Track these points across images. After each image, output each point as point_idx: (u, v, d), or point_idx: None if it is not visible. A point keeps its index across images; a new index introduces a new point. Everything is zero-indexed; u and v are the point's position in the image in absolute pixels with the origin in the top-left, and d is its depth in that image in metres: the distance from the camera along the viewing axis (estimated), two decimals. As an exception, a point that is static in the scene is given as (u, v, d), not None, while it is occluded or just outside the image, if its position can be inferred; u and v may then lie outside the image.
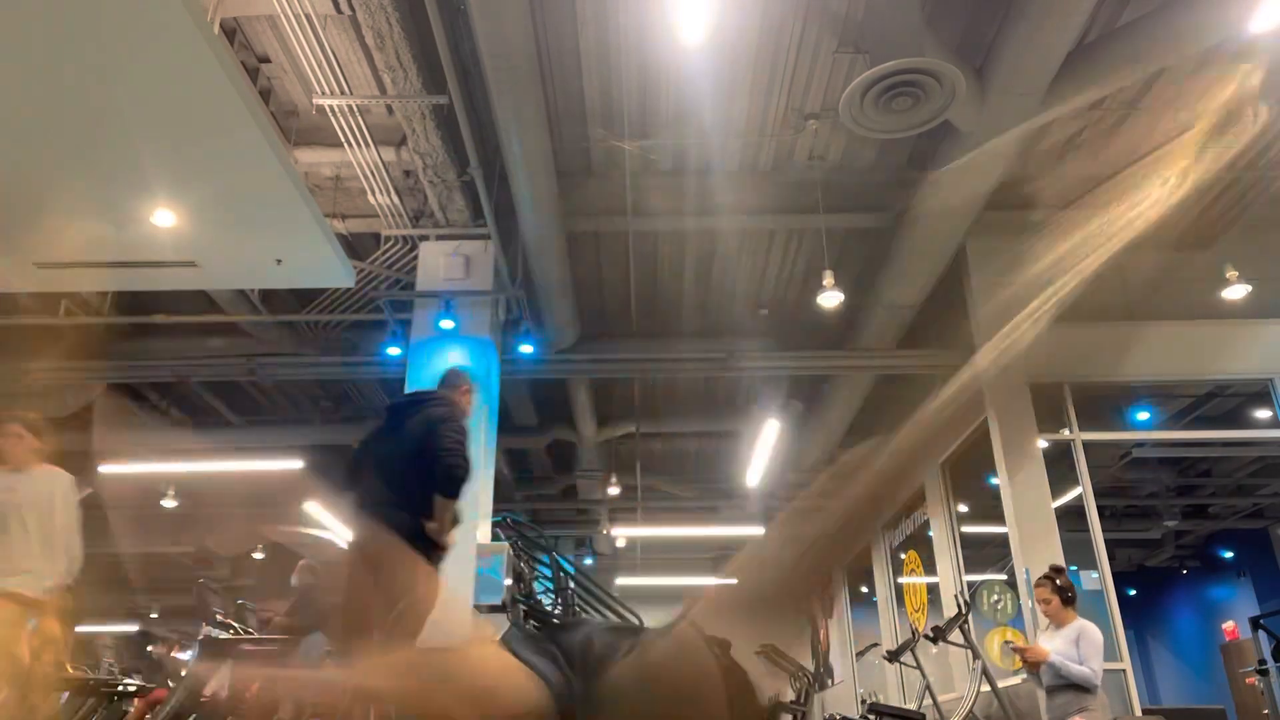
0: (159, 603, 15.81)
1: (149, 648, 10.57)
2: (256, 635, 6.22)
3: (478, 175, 6.02)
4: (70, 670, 7.22)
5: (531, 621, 6.29)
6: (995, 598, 7.70)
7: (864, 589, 12.22)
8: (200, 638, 5.94)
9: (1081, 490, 6.69)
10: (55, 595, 3.94)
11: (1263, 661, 7.16)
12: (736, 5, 5.28)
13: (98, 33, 3.58)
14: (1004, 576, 7.48)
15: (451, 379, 4.27)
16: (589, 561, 14.39)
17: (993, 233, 7.06)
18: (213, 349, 7.90)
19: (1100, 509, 6.68)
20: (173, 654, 10.67)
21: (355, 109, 5.73)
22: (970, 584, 7.76)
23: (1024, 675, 6.70)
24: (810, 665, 14.32)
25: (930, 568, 8.78)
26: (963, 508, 8.29)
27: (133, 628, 16.47)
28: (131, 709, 8.52)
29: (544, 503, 12.61)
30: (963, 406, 7.00)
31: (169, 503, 11.22)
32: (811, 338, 8.37)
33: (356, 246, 7.31)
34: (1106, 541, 6.53)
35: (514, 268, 6.84)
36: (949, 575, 8.02)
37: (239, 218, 4.91)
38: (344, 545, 4.13)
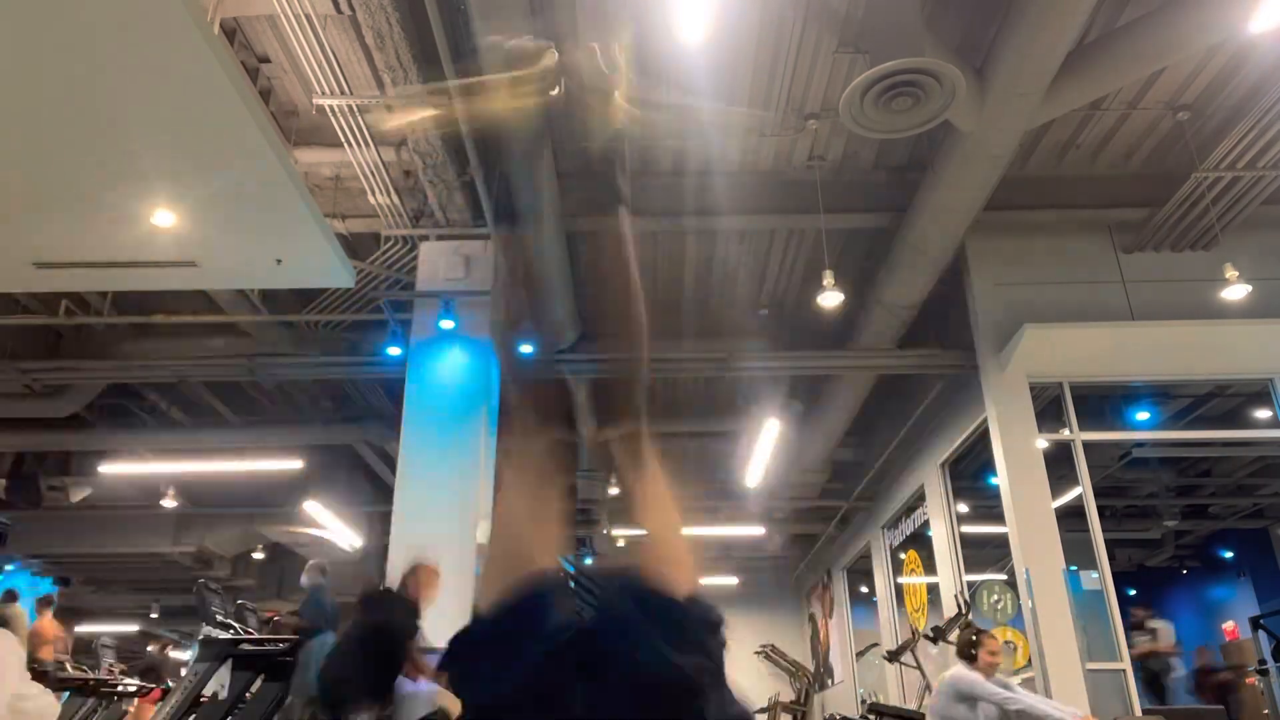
0: (159, 602, 15.82)
1: (149, 648, 10.59)
2: (257, 635, 6.22)
3: (478, 175, 6.02)
4: (70, 670, 7.23)
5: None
6: (995, 598, 7.71)
7: (864, 589, 12.23)
8: (200, 638, 5.94)
9: (1081, 490, 6.69)
10: None
11: (1263, 661, 7.16)
12: (736, 5, 5.28)
13: (98, 33, 3.57)
14: (1004, 576, 7.48)
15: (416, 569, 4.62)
16: (589, 561, 14.39)
17: (993, 233, 7.06)
18: (213, 349, 7.89)
19: (1100, 509, 6.68)
20: (166, 653, 10.68)
21: (355, 109, 5.73)
22: (970, 584, 7.77)
23: (1023, 675, 6.70)
24: (810, 665, 14.33)
25: (930, 568, 8.78)
26: (963, 508, 8.29)
27: (132, 628, 16.49)
28: (131, 709, 8.53)
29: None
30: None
31: (169, 503, 11.22)
32: (811, 338, 8.36)
33: (356, 246, 7.31)
34: (1106, 541, 6.53)
35: (515, 268, 6.83)
36: (949, 575, 8.02)
37: (239, 218, 4.91)
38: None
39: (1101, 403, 7.57)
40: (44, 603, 7.78)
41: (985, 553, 8.00)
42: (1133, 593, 14.02)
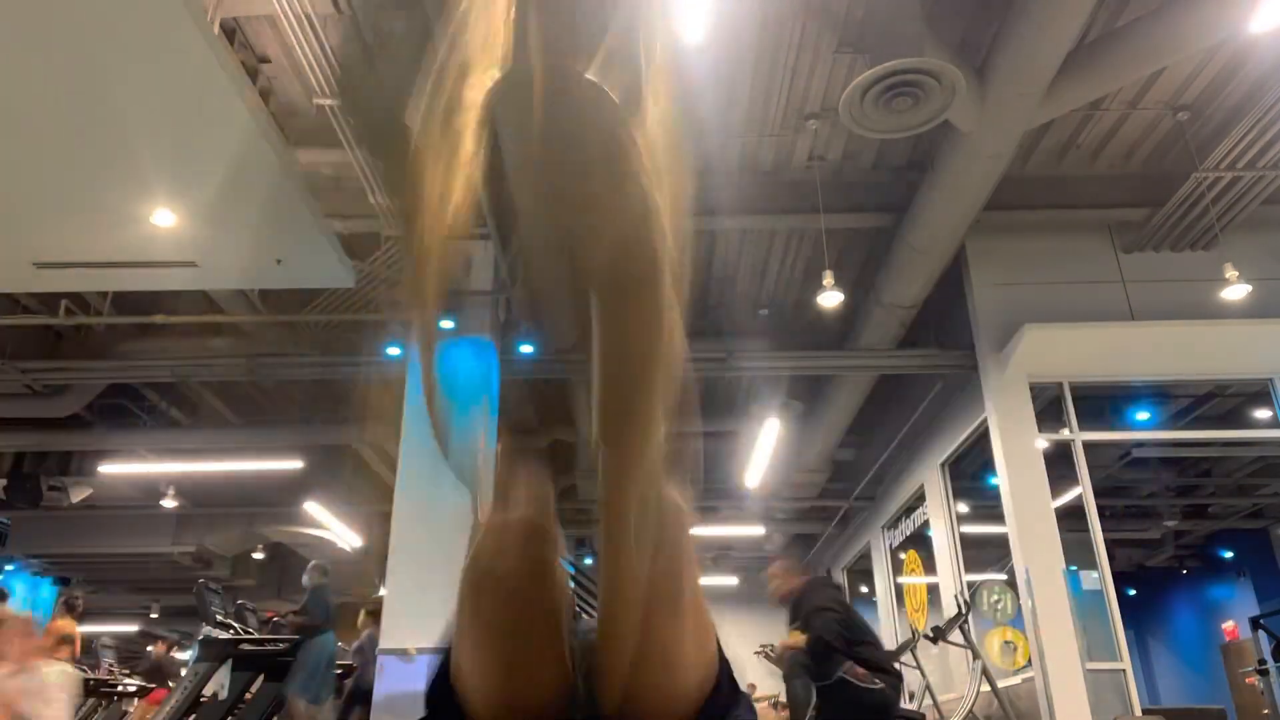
0: (159, 602, 15.81)
1: (149, 649, 10.59)
2: (257, 635, 6.23)
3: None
4: (71, 670, 7.22)
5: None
6: (995, 598, 7.71)
7: (864, 589, 12.22)
8: (200, 638, 5.95)
9: (1081, 490, 6.69)
10: None
11: (1262, 661, 7.17)
12: (736, 5, 5.28)
13: (98, 33, 3.58)
14: (1004, 576, 7.48)
15: None
16: (589, 561, 14.39)
17: (993, 233, 7.06)
18: (213, 349, 7.89)
19: (1100, 509, 6.68)
20: (170, 654, 10.68)
21: (355, 109, 5.72)
22: (970, 584, 7.77)
23: (1023, 675, 6.70)
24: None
25: (930, 568, 8.78)
26: (963, 508, 8.29)
27: (132, 628, 16.50)
28: (131, 709, 8.53)
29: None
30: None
31: (169, 503, 11.22)
32: (811, 338, 8.36)
33: (356, 247, 7.30)
34: (1106, 541, 6.53)
35: (514, 268, 6.84)
36: (949, 575, 8.02)
37: (239, 218, 4.91)
38: None
39: (1101, 403, 7.56)
40: (65, 606, 7.84)
41: (985, 553, 8.00)
42: (1133, 593, 14.05)
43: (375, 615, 7.04)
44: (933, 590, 8.80)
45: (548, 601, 0.75)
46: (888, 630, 10.26)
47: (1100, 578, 6.40)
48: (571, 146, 0.66)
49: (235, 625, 6.22)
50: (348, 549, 12.12)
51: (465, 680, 0.77)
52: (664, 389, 0.69)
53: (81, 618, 8.05)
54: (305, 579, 6.77)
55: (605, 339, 0.69)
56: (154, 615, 16.10)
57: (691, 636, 0.75)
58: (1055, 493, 6.60)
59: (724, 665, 0.79)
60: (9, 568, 12.89)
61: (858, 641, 4.56)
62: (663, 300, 0.68)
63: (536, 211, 0.65)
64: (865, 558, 11.55)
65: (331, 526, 11.42)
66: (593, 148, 0.65)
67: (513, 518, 0.75)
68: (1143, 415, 8.06)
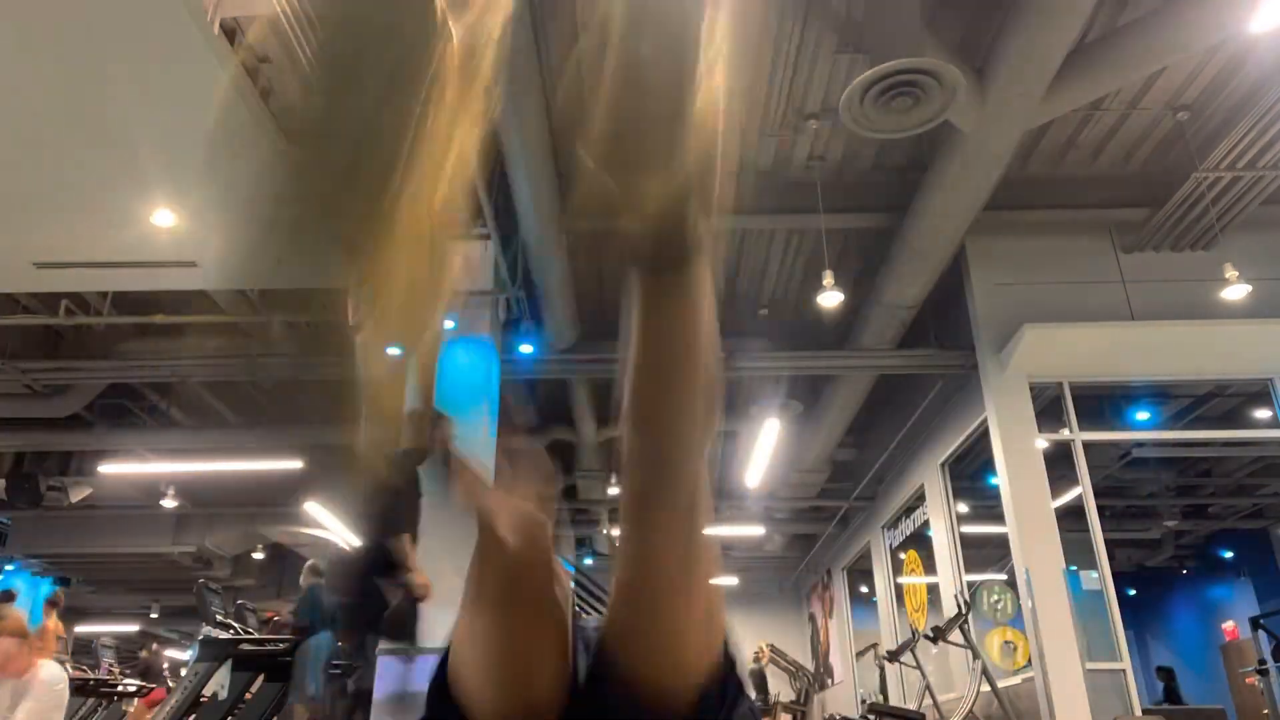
0: (159, 602, 15.81)
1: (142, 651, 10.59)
2: (257, 635, 6.23)
3: (478, 175, 6.02)
4: (70, 670, 7.22)
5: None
6: (995, 598, 7.71)
7: (864, 589, 12.23)
8: (200, 638, 5.94)
9: (1081, 490, 6.69)
10: None
11: (1263, 661, 7.17)
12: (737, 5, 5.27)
13: (98, 33, 3.58)
14: (1004, 576, 7.48)
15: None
16: (589, 561, 14.39)
17: (993, 233, 7.06)
18: (213, 349, 7.89)
19: (1100, 509, 6.68)
20: (159, 653, 10.68)
21: (355, 109, 5.72)
22: (970, 584, 7.77)
23: (1023, 675, 6.70)
24: (810, 665, 14.33)
25: (930, 568, 8.79)
26: (963, 508, 8.29)
27: (132, 628, 16.49)
28: (131, 709, 8.54)
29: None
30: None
31: (169, 503, 11.22)
32: (811, 338, 8.36)
33: (356, 246, 7.30)
34: (1106, 541, 6.53)
35: (514, 268, 6.84)
36: (949, 575, 8.02)
37: (239, 218, 4.91)
38: None
39: (1101, 403, 7.57)
40: (50, 604, 7.81)
41: (985, 553, 8.00)
42: (1133, 593, 14.06)
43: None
44: (933, 590, 8.80)
45: (547, 596, 0.76)
46: (888, 630, 10.27)
47: (1100, 578, 6.40)
48: (648, 64, 0.65)
49: (235, 625, 6.22)
50: (347, 549, 12.11)
51: (465, 678, 0.77)
52: (704, 379, 0.69)
53: (62, 614, 8.05)
54: (300, 580, 6.77)
55: (645, 323, 0.69)
56: (154, 615, 16.10)
57: (701, 616, 0.74)
58: (1055, 493, 6.60)
59: (729, 658, 0.79)
60: (9, 568, 12.89)
61: None
62: (705, 280, 0.68)
63: (594, 159, 0.63)
64: (865, 558, 11.55)
65: (331, 526, 11.42)
66: (670, 70, 0.65)
67: (510, 512, 0.75)
68: (1143, 415, 8.06)
